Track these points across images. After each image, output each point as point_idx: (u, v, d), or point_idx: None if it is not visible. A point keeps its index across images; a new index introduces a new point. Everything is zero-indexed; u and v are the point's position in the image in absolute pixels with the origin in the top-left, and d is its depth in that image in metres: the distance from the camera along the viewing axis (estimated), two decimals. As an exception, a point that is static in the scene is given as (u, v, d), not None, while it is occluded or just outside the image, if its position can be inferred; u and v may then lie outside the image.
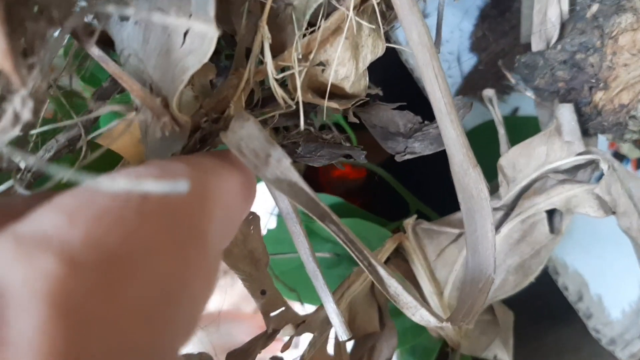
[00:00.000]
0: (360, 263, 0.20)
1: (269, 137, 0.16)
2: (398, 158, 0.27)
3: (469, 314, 0.24)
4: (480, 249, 0.24)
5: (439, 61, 0.21)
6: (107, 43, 0.21)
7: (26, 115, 0.13)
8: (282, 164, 0.16)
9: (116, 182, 0.12)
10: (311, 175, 0.48)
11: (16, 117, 0.13)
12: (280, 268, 0.43)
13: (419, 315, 0.22)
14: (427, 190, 0.43)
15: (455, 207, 0.25)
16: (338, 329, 0.22)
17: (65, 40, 0.15)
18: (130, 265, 0.11)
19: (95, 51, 0.16)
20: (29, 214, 0.11)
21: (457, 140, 0.23)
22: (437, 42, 0.23)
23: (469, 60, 0.42)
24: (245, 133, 0.16)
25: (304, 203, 0.17)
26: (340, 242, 0.19)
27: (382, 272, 0.21)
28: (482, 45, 0.41)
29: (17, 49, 0.13)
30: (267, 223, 0.43)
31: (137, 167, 0.13)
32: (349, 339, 0.31)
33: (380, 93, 0.26)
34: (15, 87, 0.13)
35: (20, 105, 0.13)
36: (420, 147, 0.26)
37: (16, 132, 0.13)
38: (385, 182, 0.43)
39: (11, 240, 0.10)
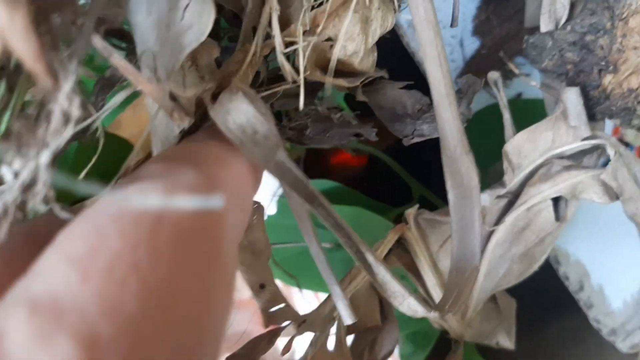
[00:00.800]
0: (348, 249, 0.20)
1: (259, 112, 0.15)
2: (406, 142, 0.26)
3: (455, 303, 0.23)
4: (466, 238, 0.24)
5: (442, 40, 0.21)
6: (115, 35, 0.20)
7: (75, 111, 0.12)
8: (270, 142, 0.16)
9: (148, 199, 0.11)
10: (311, 161, 0.47)
11: (66, 116, 0.12)
12: (281, 255, 0.42)
13: (406, 304, 0.22)
14: (430, 176, 0.43)
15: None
16: (343, 312, 0.21)
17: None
18: (153, 325, 0.10)
19: (98, 42, 0.14)
20: (39, 262, 0.10)
21: (453, 123, 0.22)
22: (455, 19, 0.22)
23: (472, 45, 0.41)
24: (233, 106, 0.15)
25: (291, 184, 0.17)
26: (328, 226, 0.19)
27: (370, 259, 0.20)
28: (485, 29, 0.40)
29: (46, 47, 0.12)
30: (267, 208, 0.42)
31: (144, 180, 0.12)
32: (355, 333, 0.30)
33: (386, 75, 0.25)
34: (47, 89, 0.12)
35: (68, 103, 0.12)
36: (428, 130, 0.26)
37: (70, 132, 0.12)
38: (387, 168, 0.43)
39: (25, 310, 0.09)
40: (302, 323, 0.25)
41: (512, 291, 0.35)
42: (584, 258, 0.39)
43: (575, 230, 0.39)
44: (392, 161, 0.42)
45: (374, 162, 0.44)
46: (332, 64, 0.19)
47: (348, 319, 0.21)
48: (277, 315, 0.24)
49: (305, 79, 0.19)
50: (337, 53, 0.19)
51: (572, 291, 0.40)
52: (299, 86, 0.19)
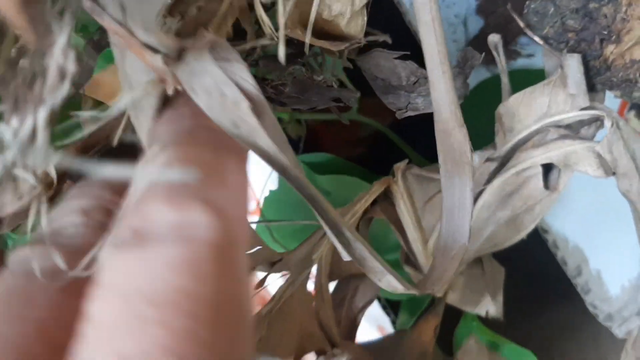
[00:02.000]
0: (323, 223, 0.18)
1: (227, 73, 0.14)
2: (399, 115, 0.26)
3: (438, 281, 0.23)
4: (457, 216, 0.23)
5: (437, 3, 0.20)
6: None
7: (71, 67, 0.12)
8: (240, 108, 0.14)
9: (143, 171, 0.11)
10: (313, 140, 0.47)
11: (62, 72, 0.12)
12: (281, 232, 0.42)
13: (385, 281, 0.21)
14: (436, 153, 0.42)
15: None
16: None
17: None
18: None
19: (87, 2, 0.14)
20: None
21: (447, 94, 0.22)
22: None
23: (475, 24, 0.41)
24: (200, 67, 0.14)
25: (262, 152, 0.15)
26: (304, 198, 0.18)
27: (348, 234, 0.19)
28: (489, 7, 0.40)
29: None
30: (267, 183, 0.42)
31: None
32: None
33: (389, 40, 0.24)
34: (35, 44, 0.12)
35: (63, 57, 0.12)
36: (423, 103, 0.25)
37: (66, 88, 0.12)
38: (393, 146, 0.42)
39: None
40: (277, 262, 0.25)
41: (509, 278, 0.35)
42: (582, 243, 0.39)
43: (575, 216, 0.39)
44: (396, 136, 0.42)
45: (379, 139, 0.44)
46: (312, 19, 0.18)
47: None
48: (254, 257, 0.24)
49: (288, 38, 0.19)
50: (315, 8, 0.18)
51: (569, 276, 0.39)
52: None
